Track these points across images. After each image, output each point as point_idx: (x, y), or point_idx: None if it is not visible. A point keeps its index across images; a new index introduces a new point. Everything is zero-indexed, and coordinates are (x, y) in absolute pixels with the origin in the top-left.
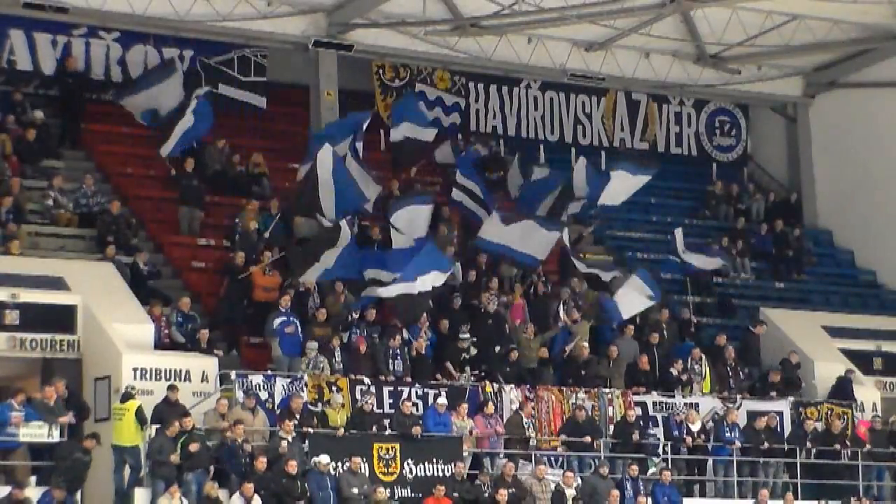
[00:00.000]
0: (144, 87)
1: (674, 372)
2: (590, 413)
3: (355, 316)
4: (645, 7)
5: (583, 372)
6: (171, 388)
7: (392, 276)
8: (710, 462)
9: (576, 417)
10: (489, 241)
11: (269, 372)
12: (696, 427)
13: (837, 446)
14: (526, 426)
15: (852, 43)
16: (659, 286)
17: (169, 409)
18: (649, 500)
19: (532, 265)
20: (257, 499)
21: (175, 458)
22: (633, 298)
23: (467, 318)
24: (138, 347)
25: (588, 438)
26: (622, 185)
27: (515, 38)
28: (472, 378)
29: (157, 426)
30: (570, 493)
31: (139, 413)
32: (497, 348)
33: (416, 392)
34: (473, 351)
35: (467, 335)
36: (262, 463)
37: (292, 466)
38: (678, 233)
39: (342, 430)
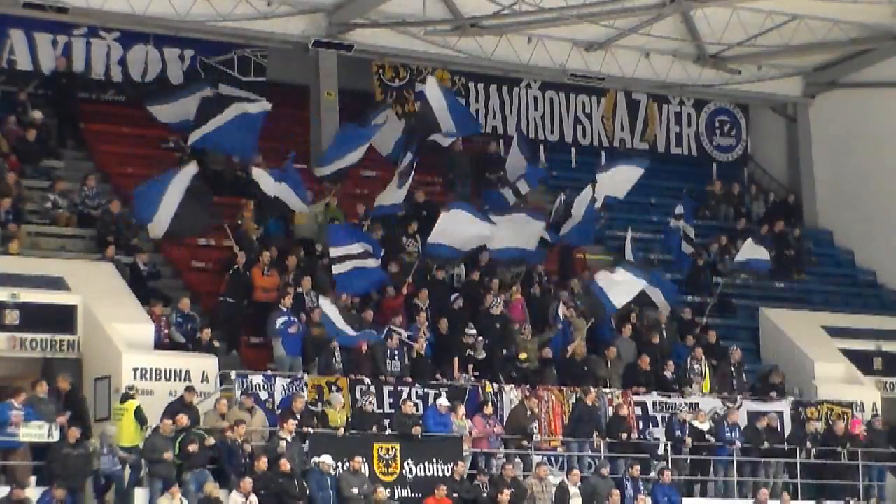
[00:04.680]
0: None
1: (667, 374)
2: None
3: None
4: (645, 7)
5: (585, 368)
6: (189, 389)
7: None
8: (710, 462)
9: (581, 406)
10: (497, 250)
11: (269, 372)
12: (704, 426)
13: (838, 447)
14: (529, 417)
15: (852, 43)
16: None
17: (182, 411)
18: (649, 500)
19: (533, 259)
20: (254, 497)
21: (168, 455)
22: (621, 287)
23: (471, 318)
24: (138, 347)
25: (595, 434)
26: (623, 176)
27: (515, 38)
28: (473, 378)
29: (152, 426)
30: (573, 490)
31: (138, 413)
32: (503, 351)
33: (417, 392)
34: (482, 354)
35: (474, 331)
36: (262, 463)
37: (284, 465)
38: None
39: (342, 430)
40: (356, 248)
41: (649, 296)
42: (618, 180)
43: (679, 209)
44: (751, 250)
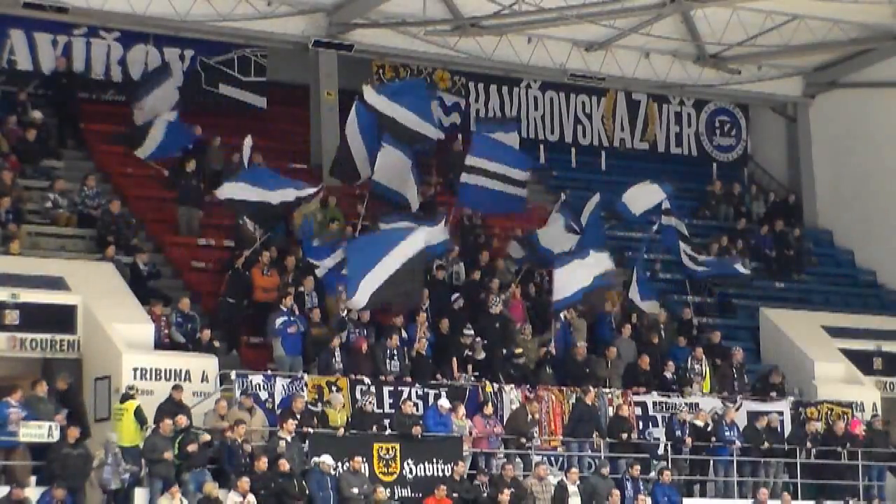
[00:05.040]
0: (144, 94)
1: (667, 374)
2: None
3: (351, 315)
4: (645, 7)
5: (587, 370)
6: (176, 387)
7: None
8: (710, 462)
9: (581, 406)
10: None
11: (269, 372)
12: (708, 423)
13: (838, 447)
14: (529, 422)
15: (852, 43)
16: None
17: (174, 409)
18: (649, 500)
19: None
20: (251, 497)
21: (168, 455)
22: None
23: (470, 318)
24: (138, 347)
25: (595, 434)
26: (645, 193)
27: (515, 38)
28: (473, 378)
29: (152, 426)
30: (572, 489)
31: (138, 413)
32: (503, 350)
33: (417, 392)
34: (482, 354)
35: (471, 331)
36: (262, 463)
37: (284, 465)
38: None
39: (342, 430)
40: (339, 255)
41: (635, 303)
42: (639, 196)
43: (665, 204)
44: (688, 260)
